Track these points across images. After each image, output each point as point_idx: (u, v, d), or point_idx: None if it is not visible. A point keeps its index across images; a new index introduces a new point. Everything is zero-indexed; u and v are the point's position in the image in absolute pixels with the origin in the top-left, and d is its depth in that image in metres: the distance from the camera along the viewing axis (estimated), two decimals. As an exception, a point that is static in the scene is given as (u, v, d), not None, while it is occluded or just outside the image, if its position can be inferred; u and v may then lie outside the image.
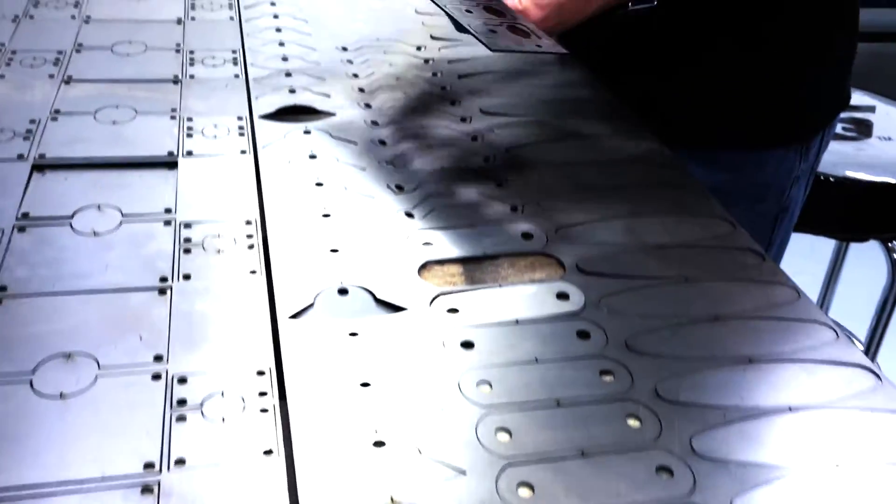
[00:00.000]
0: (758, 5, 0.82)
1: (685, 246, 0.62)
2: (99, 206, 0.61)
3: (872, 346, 1.40)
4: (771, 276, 0.59)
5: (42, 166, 0.65)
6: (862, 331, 1.52)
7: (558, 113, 0.81)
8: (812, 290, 1.60)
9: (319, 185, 0.66)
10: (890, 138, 1.25)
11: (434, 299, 0.54)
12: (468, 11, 0.69)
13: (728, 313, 0.55)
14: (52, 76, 0.78)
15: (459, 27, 0.68)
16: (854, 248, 1.52)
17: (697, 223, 0.65)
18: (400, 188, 0.67)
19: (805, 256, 1.51)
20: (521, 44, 0.67)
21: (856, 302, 1.67)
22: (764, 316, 0.55)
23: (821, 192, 1.13)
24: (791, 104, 0.88)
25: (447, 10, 0.69)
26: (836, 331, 0.54)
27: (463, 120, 0.77)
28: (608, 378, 0.49)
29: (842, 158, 1.19)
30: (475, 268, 0.58)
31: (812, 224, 1.18)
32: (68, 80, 0.78)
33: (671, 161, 0.74)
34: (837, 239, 1.46)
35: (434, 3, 0.70)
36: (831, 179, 1.16)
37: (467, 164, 0.71)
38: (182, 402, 0.44)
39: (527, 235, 0.62)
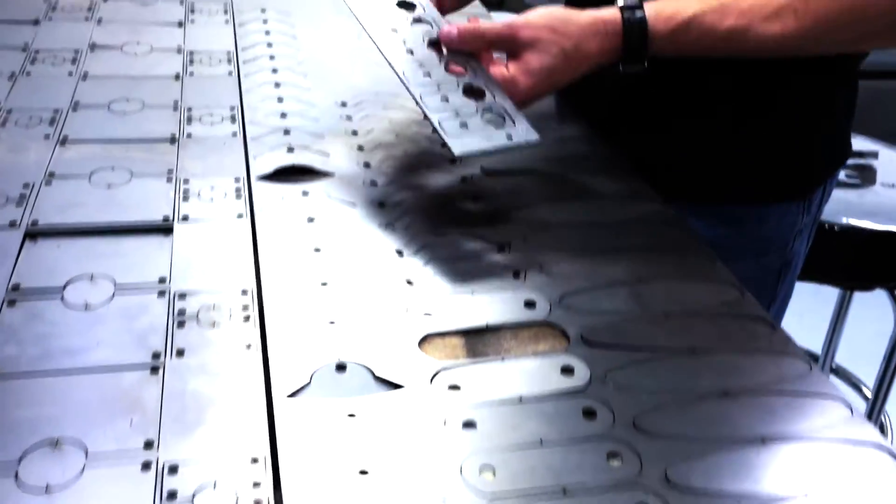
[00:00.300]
0: (758, 72, 0.81)
1: (692, 314, 0.60)
2: (91, 277, 0.59)
3: (880, 395, 1.37)
4: (781, 347, 0.57)
5: (35, 234, 0.64)
6: (868, 376, 1.50)
7: (560, 170, 0.80)
8: (817, 336, 1.58)
9: (317, 250, 0.65)
10: (894, 185, 1.24)
11: (435, 375, 0.53)
12: (445, 99, 0.68)
13: (738, 388, 0.53)
14: (47, 136, 0.78)
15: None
16: (859, 293, 1.51)
17: (704, 288, 0.63)
18: (400, 253, 0.65)
19: (809, 301, 1.50)
20: (492, 136, 0.66)
21: (861, 349, 1.65)
22: (775, 391, 0.53)
23: (824, 241, 1.12)
24: (792, 160, 0.87)
25: (419, 103, 0.68)
26: (850, 407, 0.52)
27: (464, 180, 0.76)
28: (616, 462, 0.47)
29: (845, 206, 1.18)
30: (477, 340, 0.57)
31: (816, 273, 1.16)
32: (63, 141, 0.77)
33: (674, 221, 0.73)
34: (842, 288, 1.44)
35: (409, 92, 0.69)
36: (835, 228, 1.15)
37: (469, 226, 0.69)
38: (172, 496, 0.42)
39: (529, 304, 0.60)
